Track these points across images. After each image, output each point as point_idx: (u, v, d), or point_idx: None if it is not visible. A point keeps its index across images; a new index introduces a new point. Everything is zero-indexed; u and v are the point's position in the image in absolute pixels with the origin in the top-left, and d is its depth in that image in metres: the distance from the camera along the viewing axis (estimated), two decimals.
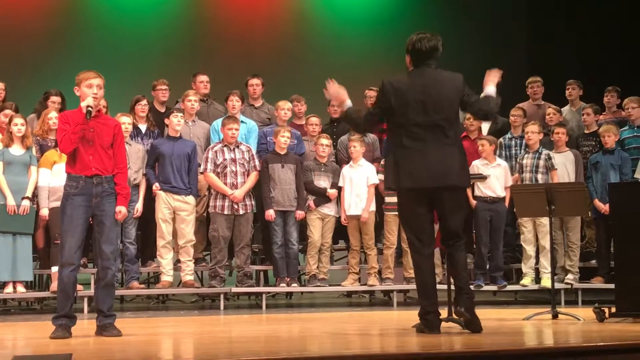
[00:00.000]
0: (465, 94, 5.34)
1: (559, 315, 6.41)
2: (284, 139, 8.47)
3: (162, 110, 9.21)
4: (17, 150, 7.94)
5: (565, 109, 9.64)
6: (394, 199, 8.45)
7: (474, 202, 8.48)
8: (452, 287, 5.52)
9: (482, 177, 7.61)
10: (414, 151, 5.24)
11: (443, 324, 5.42)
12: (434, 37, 5.37)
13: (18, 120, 7.94)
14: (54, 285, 7.48)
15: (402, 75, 5.42)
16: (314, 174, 8.66)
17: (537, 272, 8.66)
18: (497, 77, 5.45)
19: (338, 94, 5.53)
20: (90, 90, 5.43)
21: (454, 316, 5.48)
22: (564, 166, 8.62)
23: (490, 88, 5.42)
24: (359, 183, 8.55)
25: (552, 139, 8.81)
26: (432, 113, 5.23)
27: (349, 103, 5.50)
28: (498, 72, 5.47)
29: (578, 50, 11.70)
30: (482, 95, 5.42)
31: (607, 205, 7.89)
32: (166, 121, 8.57)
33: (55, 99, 8.68)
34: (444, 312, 5.55)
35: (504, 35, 12.21)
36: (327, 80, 5.53)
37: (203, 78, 9.43)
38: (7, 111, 8.34)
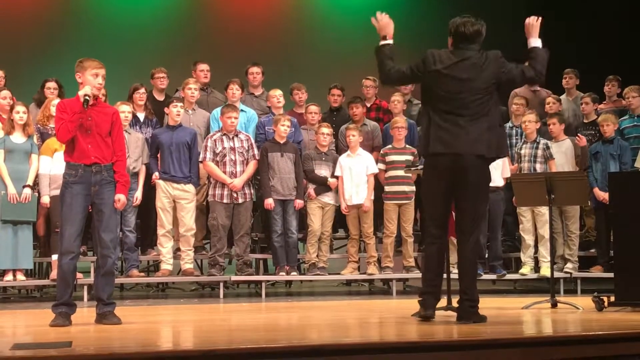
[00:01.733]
0: (502, 69, 5.27)
1: (558, 304, 6.42)
2: (283, 128, 8.45)
3: (161, 98, 9.20)
4: (18, 138, 7.93)
5: (562, 98, 9.61)
6: (394, 188, 8.57)
7: None
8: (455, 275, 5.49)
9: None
10: (444, 122, 5.20)
11: (442, 312, 5.43)
12: (477, 22, 5.31)
13: (20, 108, 7.94)
14: (54, 274, 7.48)
15: (445, 51, 5.34)
16: (315, 163, 8.65)
17: (537, 261, 8.67)
18: (538, 26, 5.39)
19: (387, 26, 5.43)
20: (96, 80, 5.43)
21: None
22: (564, 155, 8.61)
23: (536, 41, 5.37)
24: (359, 172, 8.54)
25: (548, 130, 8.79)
26: (463, 95, 5.18)
27: (390, 41, 5.41)
28: (537, 20, 5.41)
29: (576, 38, 11.68)
30: (530, 48, 5.35)
31: (607, 194, 7.89)
32: (166, 110, 8.55)
33: (51, 84, 8.67)
34: (442, 301, 5.56)
35: (501, 23, 12.17)
36: (379, 13, 5.45)
37: (203, 67, 9.41)
38: (8, 99, 8.32)
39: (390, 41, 5.42)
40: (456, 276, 5.38)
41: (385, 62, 5.40)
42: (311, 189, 8.60)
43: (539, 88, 9.67)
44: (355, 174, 8.54)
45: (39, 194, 8.00)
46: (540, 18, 5.42)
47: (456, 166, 5.18)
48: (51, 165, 7.93)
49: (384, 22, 5.45)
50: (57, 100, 7.99)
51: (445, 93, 5.22)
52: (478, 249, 5.81)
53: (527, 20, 5.45)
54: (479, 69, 5.22)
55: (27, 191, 7.87)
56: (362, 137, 8.69)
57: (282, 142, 8.50)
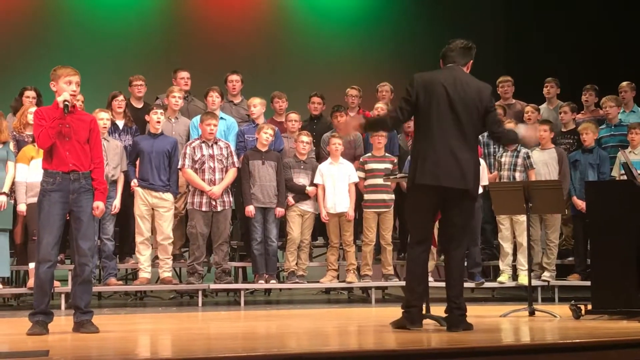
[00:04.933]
0: (492, 106, 5.39)
1: (536, 312, 6.46)
2: (266, 136, 8.45)
3: (139, 106, 9.16)
4: None
5: (543, 107, 9.69)
6: (373, 196, 8.58)
7: None
8: (434, 284, 5.53)
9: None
10: (436, 148, 5.21)
11: (427, 320, 5.45)
12: (468, 42, 5.43)
13: None
14: (31, 282, 7.43)
15: (432, 71, 5.42)
16: (293, 171, 8.65)
17: (515, 269, 8.71)
18: (534, 133, 5.70)
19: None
20: (70, 87, 5.40)
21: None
22: (546, 165, 8.66)
23: (520, 130, 5.55)
24: (341, 181, 8.56)
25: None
26: (458, 112, 5.22)
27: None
28: (536, 130, 5.76)
29: (553, 48, 11.79)
30: (509, 128, 5.64)
31: (584, 203, 7.95)
32: (146, 118, 8.52)
33: (30, 93, 8.62)
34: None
35: (480, 34, 12.27)
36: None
37: (184, 74, 9.39)
38: None
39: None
40: (433, 284, 5.40)
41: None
42: (290, 196, 8.60)
43: (513, 100, 9.75)
44: (338, 182, 8.55)
45: (15, 201, 7.94)
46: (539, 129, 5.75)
47: (443, 196, 5.25)
48: (28, 172, 7.87)
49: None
50: (34, 108, 7.97)
51: (436, 111, 5.23)
52: (463, 259, 5.87)
53: (533, 126, 5.87)
54: (471, 90, 5.27)
55: (2, 198, 7.80)
56: (344, 146, 8.71)
57: (264, 150, 8.50)
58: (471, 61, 5.46)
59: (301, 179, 8.65)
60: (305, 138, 8.64)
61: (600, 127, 9.00)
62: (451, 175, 5.18)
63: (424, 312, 5.64)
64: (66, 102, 5.33)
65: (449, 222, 5.37)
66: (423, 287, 5.39)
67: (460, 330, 5.19)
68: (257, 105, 8.98)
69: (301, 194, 8.62)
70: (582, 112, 9.56)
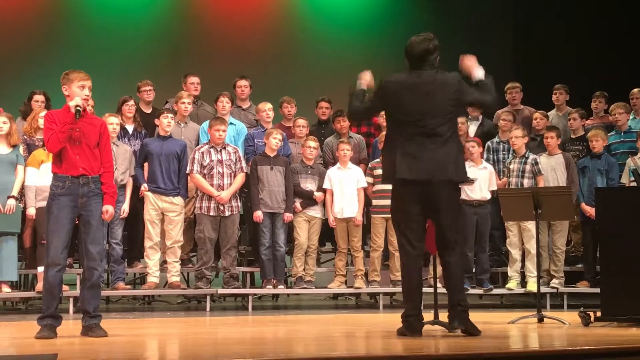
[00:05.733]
0: (462, 93, 5.33)
1: (545, 319, 6.43)
2: (275, 141, 8.45)
3: (148, 111, 9.19)
4: (2, 148, 7.88)
5: (552, 114, 9.67)
6: (381, 202, 8.55)
7: None
8: (443, 290, 5.51)
9: (470, 181, 7.63)
10: (410, 147, 5.23)
11: (428, 326, 5.43)
12: (424, 40, 5.35)
13: (0, 118, 7.89)
14: (39, 286, 7.44)
15: (401, 74, 5.40)
16: (300, 177, 8.65)
17: (523, 276, 8.68)
18: (474, 60, 5.47)
19: (367, 75, 5.59)
20: (83, 92, 5.41)
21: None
22: (554, 170, 8.64)
23: (478, 72, 5.43)
24: (349, 186, 8.56)
25: (544, 143, 8.82)
26: (427, 117, 5.23)
27: (362, 86, 5.55)
28: (471, 57, 5.49)
29: (563, 54, 11.77)
30: (475, 82, 5.41)
31: (594, 209, 7.92)
32: (156, 121, 8.55)
33: (39, 97, 8.65)
34: (429, 315, 5.57)
35: (489, 40, 12.27)
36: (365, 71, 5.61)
37: (194, 79, 9.41)
38: None
39: (363, 86, 5.59)
40: (442, 290, 5.38)
41: (353, 102, 5.57)
42: (297, 202, 8.60)
43: (521, 106, 9.74)
44: (346, 187, 8.55)
45: (24, 205, 7.96)
46: (473, 56, 5.52)
47: (426, 191, 5.23)
48: (37, 176, 7.89)
49: (367, 75, 5.61)
50: (44, 112, 7.99)
51: (407, 118, 5.26)
52: (463, 260, 5.84)
53: (462, 60, 5.51)
54: (437, 90, 5.26)
55: (12, 202, 7.81)
56: (352, 151, 8.71)
57: (272, 155, 8.50)
58: (437, 57, 5.39)
59: (308, 185, 8.65)
60: (312, 143, 8.65)
61: (610, 133, 8.98)
62: (428, 169, 5.19)
63: (432, 318, 5.64)
64: (78, 108, 5.34)
65: (439, 222, 5.33)
66: (419, 296, 5.33)
67: (462, 327, 5.18)
68: (270, 110, 8.99)
69: (308, 200, 8.62)
70: (592, 118, 9.54)
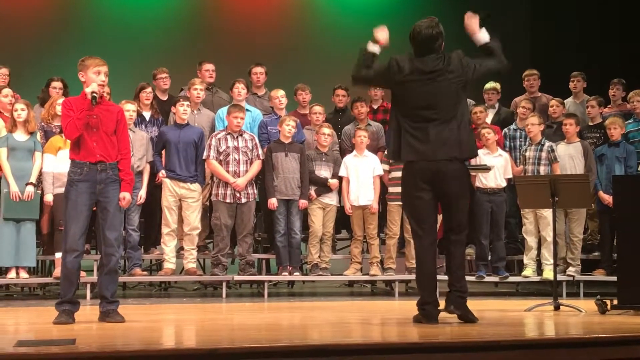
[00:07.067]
0: (467, 72, 5.27)
1: (561, 307, 6.42)
2: (288, 128, 8.46)
3: (165, 98, 9.21)
4: (20, 136, 7.93)
5: (569, 101, 9.63)
6: (398, 189, 8.47)
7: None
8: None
9: (487, 168, 7.62)
10: (415, 131, 5.22)
11: (443, 314, 5.43)
12: (429, 27, 5.30)
13: (18, 105, 7.93)
14: (57, 271, 7.50)
15: (406, 60, 5.34)
16: (315, 164, 8.65)
17: (539, 263, 8.66)
18: (476, 20, 5.38)
19: (383, 32, 5.45)
20: (99, 78, 5.42)
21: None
22: (572, 158, 8.60)
23: (482, 36, 5.37)
24: (365, 173, 8.55)
25: (562, 130, 8.77)
26: (432, 104, 5.21)
27: (376, 49, 5.42)
28: (472, 15, 5.40)
29: (580, 42, 11.69)
30: (479, 47, 5.34)
31: (611, 197, 7.88)
32: (172, 109, 8.57)
33: (57, 84, 8.70)
34: (443, 303, 5.56)
35: (507, 26, 12.19)
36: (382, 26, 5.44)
37: (209, 67, 9.42)
38: (10, 97, 8.33)
39: (377, 49, 5.43)
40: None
41: (360, 64, 5.43)
42: (312, 189, 8.60)
43: (539, 94, 9.69)
44: (362, 174, 8.55)
45: (42, 191, 8.01)
46: (476, 14, 5.40)
47: (432, 172, 5.20)
48: (55, 163, 7.94)
49: (383, 31, 5.48)
50: (62, 99, 8.03)
51: (412, 102, 5.24)
52: (465, 248, 5.88)
53: (466, 20, 5.42)
54: (442, 74, 5.22)
55: (30, 189, 7.87)
56: (369, 139, 8.70)
57: (287, 142, 8.50)
58: (442, 43, 5.33)
59: (323, 172, 8.65)
60: (327, 130, 8.64)
61: (627, 121, 8.92)
62: (434, 147, 5.15)
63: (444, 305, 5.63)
64: (94, 94, 5.36)
65: (448, 204, 5.29)
66: (434, 283, 5.32)
67: (458, 312, 5.20)
68: (283, 97, 8.99)
69: (323, 187, 8.62)
70: (609, 106, 9.47)
